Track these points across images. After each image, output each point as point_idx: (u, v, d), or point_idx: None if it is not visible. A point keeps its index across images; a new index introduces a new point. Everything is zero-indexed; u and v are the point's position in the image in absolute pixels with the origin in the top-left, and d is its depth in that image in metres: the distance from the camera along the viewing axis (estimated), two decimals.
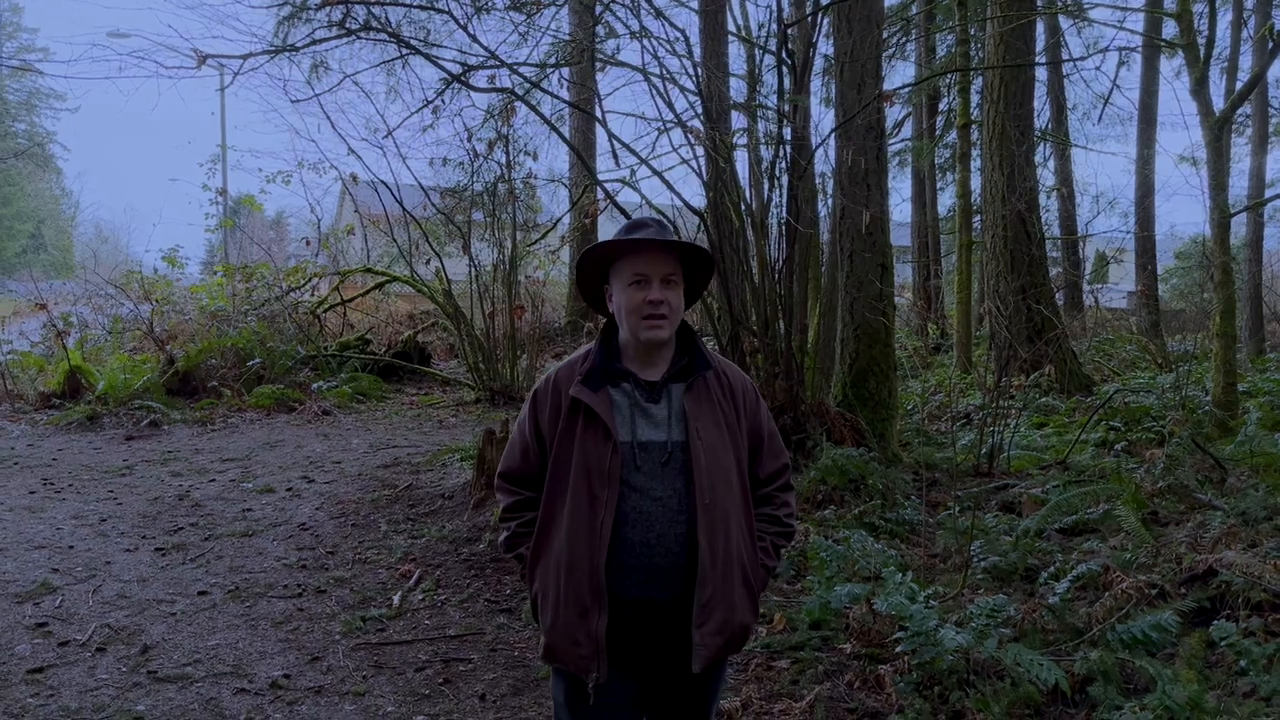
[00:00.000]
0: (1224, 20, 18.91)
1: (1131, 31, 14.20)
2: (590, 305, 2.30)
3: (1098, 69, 17.99)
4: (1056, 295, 18.97)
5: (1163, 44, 14.31)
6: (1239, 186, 18.35)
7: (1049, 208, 21.59)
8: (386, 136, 8.17)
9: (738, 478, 2.17)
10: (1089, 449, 7.50)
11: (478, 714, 3.62)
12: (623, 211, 7.18)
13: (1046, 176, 21.11)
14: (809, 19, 7.64)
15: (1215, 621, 3.40)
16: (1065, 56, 15.57)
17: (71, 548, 5.69)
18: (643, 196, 8.02)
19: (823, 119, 14.95)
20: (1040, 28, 18.26)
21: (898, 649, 3.45)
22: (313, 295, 15.11)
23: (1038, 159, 21.40)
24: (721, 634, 2.09)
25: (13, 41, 55.64)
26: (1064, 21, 17.15)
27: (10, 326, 13.31)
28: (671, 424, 2.12)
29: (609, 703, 2.11)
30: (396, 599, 4.82)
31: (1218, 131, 8.37)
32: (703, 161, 7.26)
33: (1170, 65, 19.62)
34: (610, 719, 2.14)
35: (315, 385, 12.11)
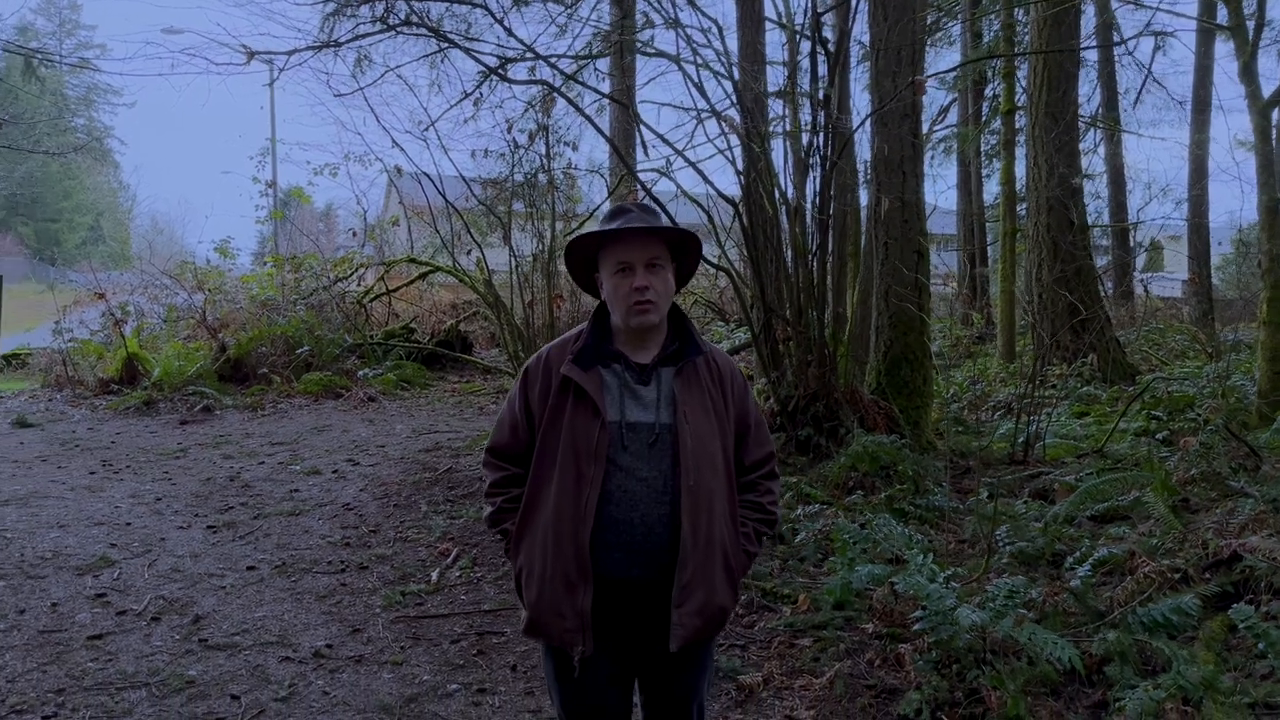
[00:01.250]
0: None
1: (1177, 14, 13.88)
2: (586, 292, 2.33)
3: (1130, 53, 17.56)
4: (1105, 283, 18.65)
5: (1213, 27, 13.97)
6: None
7: (1099, 194, 21.19)
8: (428, 128, 8.35)
9: (723, 463, 2.19)
10: (1128, 438, 7.44)
11: (509, 683, 3.77)
12: (658, 202, 7.26)
13: (1097, 163, 20.72)
14: (846, 3, 7.64)
15: (1235, 605, 3.42)
16: (1108, 41, 15.26)
17: (129, 525, 5.97)
18: (678, 186, 8.11)
19: (865, 105, 14.88)
20: (1090, 10, 17.95)
21: (915, 627, 3.52)
22: (359, 285, 15.43)
23: (1088, 145, 21.02)
24: (700, 615, 2.12)
25: (71, 38, 57.29)
26: (1113, 4, 16.80)
27: (70, 315, 13.78)
28: (660, 406, 2.15)
29: (594, 676, 2.16)
30: (435, 575, 5.00)
31: (1266, 115, 8.21)
32: (738, 151, 7.32)
33: (1226, 47, 19.12)
34: (596, 692, 2.19)
35: (361, 373, 12.40)
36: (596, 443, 2.09)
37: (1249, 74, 8.33)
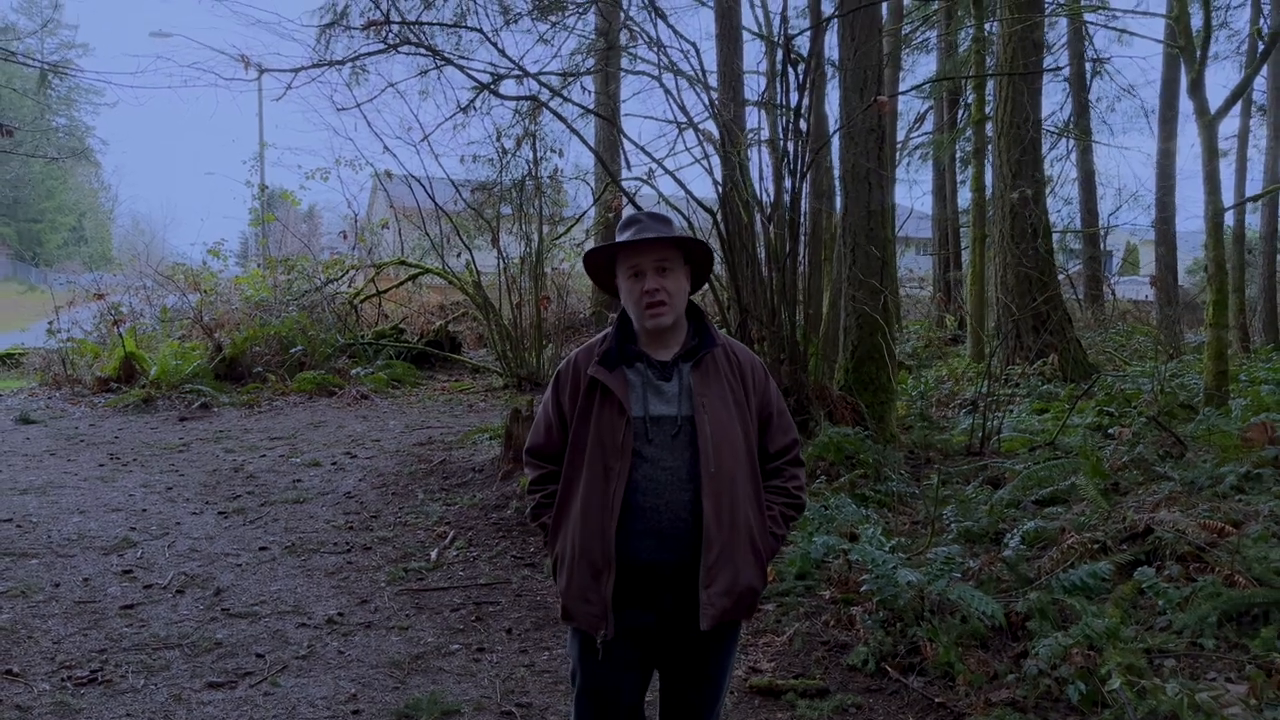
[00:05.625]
0: (1244, 15, 19.12)
1: (1132, 34, 14.55)
2: (611, 296, 2.45)
3: (1098, 65, 18.31)
4: (1075, 287, 19.27)
5: (1167, 45, 14.56)
6: (1257, 183, 18.50)
7: (1071, 199, 21.87)
8: (422, 140, 8.77)
9: (745, 450, 2.29)
10: (1080, 431, 7.96)
11: (505, 644, 4.22)
12: (636, 207, 7.73)
13: (1069, 169, 21.41)
14: (822, 25, 8.13)
15: (1140, 569, 3.92)
16: (1080, 51, 15.94)
17: (145, 511, 6.38)
18: (660, 194, 8.58)
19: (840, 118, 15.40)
20: (1063, 25, 18.60)
21: (863, 589, 4.00)
22: (350, 287, 15.82)
23: (1060, 152, 21.70)
24: (729, 595, 2.22)
25: (53, 38, 57.17)
26: (1086, 18, 17.41)
27: (64, 315, 14.11)
28: (681, 399, 2.27)
29: (617, 659, 2.28)
30: (434, 554, 5.44)
31: (1212, 130, 8.78)
32: (716, 160, 7.80)
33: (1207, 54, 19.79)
34: (618, 674, 2.31)
35: (354, 371, 12.80)
36: (622, 438, 2.23)
37: (1197, 91, 8.90)
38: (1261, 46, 9.48)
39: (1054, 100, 20.80)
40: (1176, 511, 4.30)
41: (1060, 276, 16.66)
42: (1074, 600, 3.80)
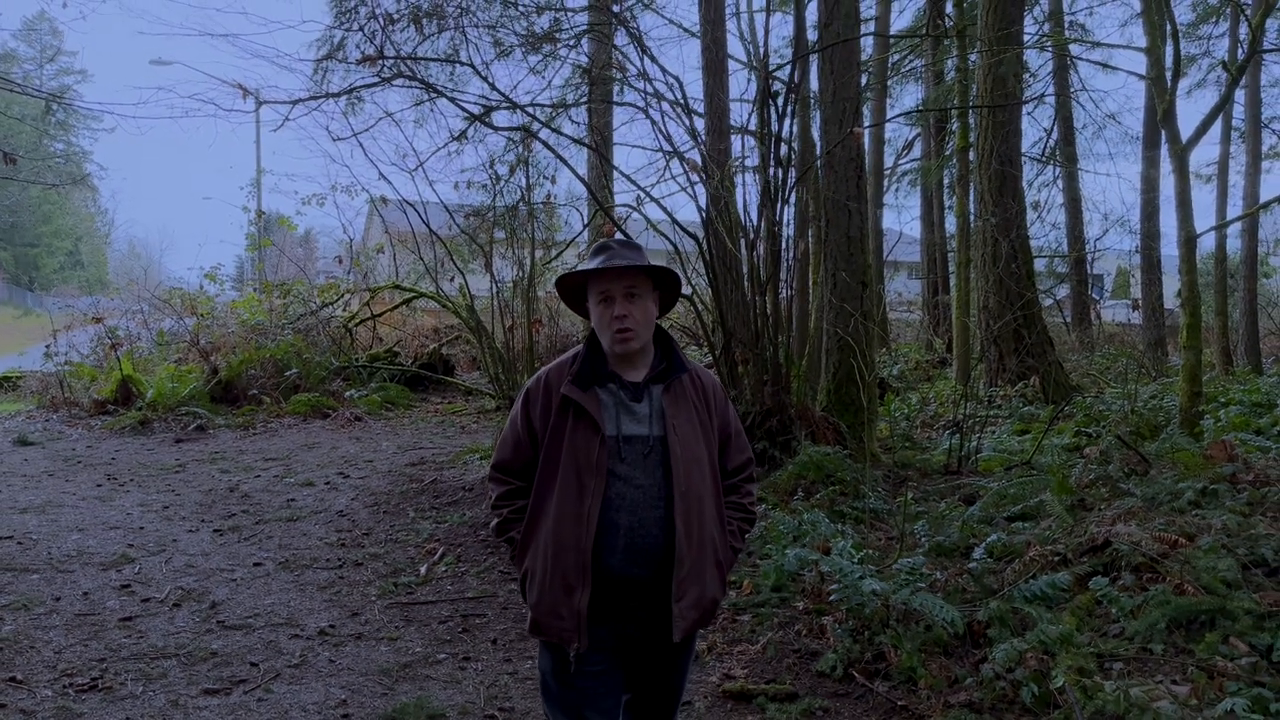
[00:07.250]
0: (1224, 46, 19.57)
1: (1110, 67, 14.93)
2: (581, 316, 2.54)
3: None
4: (1064, 311, 19.55)
5: (1140, 76, 14.91)
6: (1238, 207, 18.87)
7: (1058, 224, 22.21)
8: (417, 167, 9.01)
9: (709, 469, 2.40)
10: (1058, 451, 8.15)
11: (490, 653, 4.39)
12: (626, 235, 7.96)
13: (1056, 195, 21.76)
14: (803, 59, 8.41)
15: (1094, 578, 4.11)
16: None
17: (142, 528, 6.54)
18: (648, 220, 8.81)
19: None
20: (1049, 55, 19.03)
21: (831, 598, 4.18)
22: (344, 310, 16.03)
23: (1047, 179, 22.05)
24: (697, 607, 2.33)
25: (52, 64, 57.70)
26: (1071, 49, 17.81)
27: (61, 339, 14.28)
28: (652, 420, 2.35)
29: (589, 671, 2.33)
30: (423, 569, 5.61)
31: (1183, 158, 9.06)
32: (700, 189, 8.04)
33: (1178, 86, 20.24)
34: (590, 686, 2.35)
35: (348, 394, 12.98)
36: (597, 457, 2.30)
37: (1168, 120, 9.18)
38: (1229, 77, 9.78)
39: (1041, 127, 21.20)
40: (1134, 525, 4.49)
41: (1047, 302, 16.93)
42: (1032, 609, 3.99)
